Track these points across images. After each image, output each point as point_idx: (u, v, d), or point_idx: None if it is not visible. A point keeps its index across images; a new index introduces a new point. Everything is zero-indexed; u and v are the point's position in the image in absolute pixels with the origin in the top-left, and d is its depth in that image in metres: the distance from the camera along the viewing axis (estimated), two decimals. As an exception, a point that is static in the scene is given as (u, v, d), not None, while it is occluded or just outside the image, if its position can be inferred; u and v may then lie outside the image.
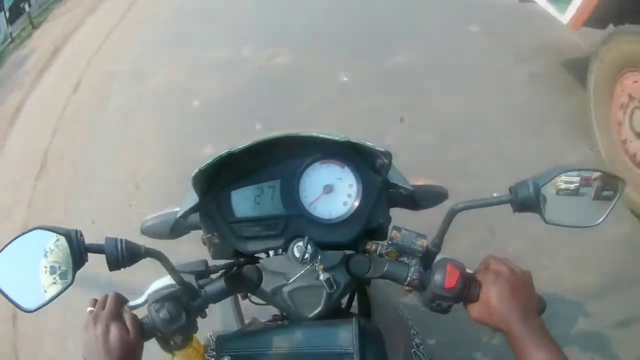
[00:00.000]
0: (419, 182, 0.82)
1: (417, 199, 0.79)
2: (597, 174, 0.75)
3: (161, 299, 0.68)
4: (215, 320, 0.94)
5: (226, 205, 0.74)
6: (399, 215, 0.81)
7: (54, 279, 0.60)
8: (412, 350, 0.80)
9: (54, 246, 0.60)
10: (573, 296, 1.84)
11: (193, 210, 0.75)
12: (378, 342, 0.74)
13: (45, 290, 0.60)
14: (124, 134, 2.93)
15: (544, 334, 0.67)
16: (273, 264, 0.73)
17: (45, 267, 0.61)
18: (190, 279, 0.71)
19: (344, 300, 0.86)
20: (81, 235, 0.60)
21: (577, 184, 0.74)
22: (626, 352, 1.70)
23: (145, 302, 0.71)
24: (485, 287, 0.70)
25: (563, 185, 0.73)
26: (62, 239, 0.58)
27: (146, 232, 0.81)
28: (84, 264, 0.59)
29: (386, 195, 0.75)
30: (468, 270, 0.73)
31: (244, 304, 0.87)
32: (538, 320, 0.69)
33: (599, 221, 0.76)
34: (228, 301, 0.87)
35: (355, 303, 0.91)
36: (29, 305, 0.60)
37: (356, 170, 0.73)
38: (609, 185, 0.76)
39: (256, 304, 0.82)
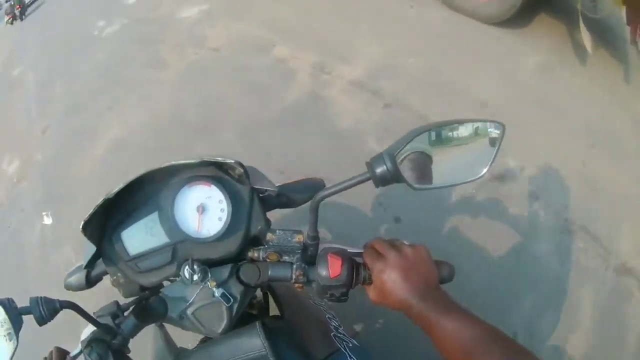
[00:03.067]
0: (292, 181, 0.82)
1: (291, 196, 0.80)
2: (466, 124, 0.72)
3: (89, 343, 0.73)
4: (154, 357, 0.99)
5: (120, 246, 0.78)
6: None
7: (6, 340, 0.67)
8: (332, 334, 0.81)
9: None
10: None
11: (94, 259, 0.80)
12: (290, 336, 0.75)
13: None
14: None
15: (448, 304, 0.66)
16: (174, 291, 0.77)
17: None
18: (107, 320, 0.76)
19: (257, 305, 0.89)
20: (12, 301, 0.67)
21: (446, 140, 0.72)
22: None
23: (81, 350, 0.77)
24: (374, 272, 0.69)
25: (428, 145, 0.70)
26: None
27: (68, 287, 0.87)
28: (21, 326, 0.66)
29: (258, 201, 0.76)
30: (352, 250, 0.73)
31: (179, 333, 0.91)
32: (438, 293, 0.68)
33: (484, 171, 0.72)
34: (159, 338, 0.92)
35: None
36: None
37: (222, 185, 0.75)
38: (484, 134, 0.73)
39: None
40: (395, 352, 1.54)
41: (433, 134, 0.70)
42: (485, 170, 0.72)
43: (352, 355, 0.77)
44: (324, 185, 0.84)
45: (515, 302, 1.82)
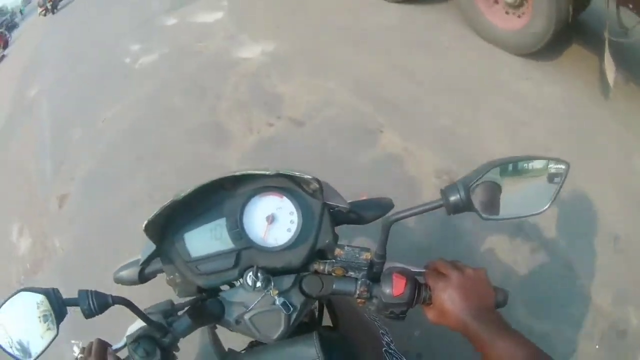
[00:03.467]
0: (364, 197, 0.84)
1: (361, 214, 0.82)
2: (535, 161, 0.75)
3: (136, 338, 0.74)
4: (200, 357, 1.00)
5: (182, 247, 0.79)
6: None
7: (42, 332, 0.67)
8: (383, 349, 0.84)
9: (37, 304, 0.67)
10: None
11: (152, 257, 0.81)
12: (344, 349, 0.77)
13: (36, 343, 0.67)
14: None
15: (502, 326, 0.68)
16: (233, 295, 0.78)
17: (33, 322, 0.67)
18: (159, 318, 0.77)
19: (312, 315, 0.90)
20: (58, 292, 0.67)
21: (515, 175, 0.75)
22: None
23: (125, 344, 0.77)
24: (436, 292, 0.72)
25: (499, 178, 0.73)
26: (43, 297, 0.66)
27: (118, 280, 0.87)
28: (64, 316, 0.67)
29: (328, 215, 0.78)
30: (415, 269, 0.75)
31: (227, 335, 0.92)
32: (494, 315, 0.70)
33: (546, 207, 0.75)
34: (209, 339, 0.93)
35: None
36: (27, 358, 0.68)
37: (294, 198, 0.76)
38: (550, 171, 0.76)
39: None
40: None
41: (504, 168, 0.73)
42: (547, 205, 0.75)
43: None
44: (393, 206, 0.86)
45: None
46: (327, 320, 0.95)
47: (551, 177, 0.76)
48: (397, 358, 0.83)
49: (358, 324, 0.91)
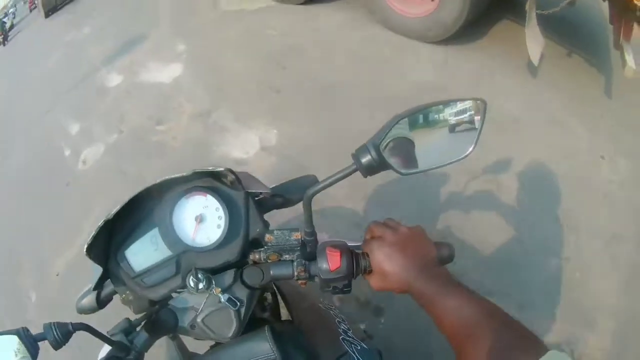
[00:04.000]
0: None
1: (286, 196, 0.82)
2: (449, 105, 0.73)
3: None
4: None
5: (125, 264, 0.80)
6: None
7: None
8: (341, 337, 0.82)
9: (10, 346, 0.70)
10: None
11: (102, 279, 0.82)
12: (298, 341, 0.77)
13: None
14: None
15: (447, 281, 0.66)
16: (182, 301, 0.79)
17: None
18: (121, 337, 0.78)
19: (269, 308, 0.90)
20: (27, 330, 0.69)
21: (428, 123, 0.73)
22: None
23: None
24: (372, 255, 0.70)
25: (409, 132, 0.71)
26: (14, 338, 0.68)
27: (80, 311, 0.89)
28: (38, 351, 0.68)
29: (254, 204, 0.78)
30: (352, 243, 0.74)
31: (191, 342, 0.92)
32: (437, 270, 0.68)
33: (470, 148, 0.73)
34: (173, 347, 0.94)
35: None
36: None
37: (217, 194, 0.77)
38: (465, 111, 0.74)
39: (197, 339, 0.87)
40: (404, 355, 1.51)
41: (414, 118, 0.71)
42: (470, 149, 0.73)
43: (359, 358, 0.78)
44: (317, 181, 0.85)
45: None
46: (287, 314, 0.94)
47: (469, 118, 0.74)
48: (355, 345, 0.81)
49: (312, 314, 0.90)
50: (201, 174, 0.76)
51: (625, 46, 2.11)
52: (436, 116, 0.73)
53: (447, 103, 0.72)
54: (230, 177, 0.74)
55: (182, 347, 0.94)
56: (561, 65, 2.62)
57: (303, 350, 0.75)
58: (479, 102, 0.73)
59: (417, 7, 2.88)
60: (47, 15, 5.84)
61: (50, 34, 5.55)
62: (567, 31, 2.60)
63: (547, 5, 2.23)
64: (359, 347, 0.80)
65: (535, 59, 2.29)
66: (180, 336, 0.94)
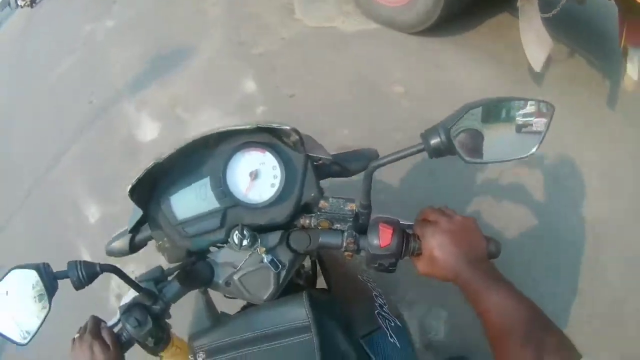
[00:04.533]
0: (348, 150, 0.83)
1: (345, 166, 0.81)
2: (517, 103, 0.74)
3: (128, 308, 0.74)
4: (194, 322, 0.99)
5: (168, 210, 0.79)
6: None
7: (35, 310, 0.67)
8: (376, 312, 0.82)
9: (28, 281, 0.67)
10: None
11: (140, 223, 0.81)
12: (333, 311, 0.76)
13: (30, 322, 0.67)
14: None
15: (495, 276, 0.66)
16: (221, 256, 0.78)
17: (27, 300, 0.68)
18: (150, 285, 0.76)
19: (301, 276, 0.89)
20: (48, 266, 0.67)
21: (498, 116, 0.74)
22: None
23: (119, 320, 0.77)
24: (425, 240, 0.70)
25: (477, 123, 0.72)
26: (34, 273, 0.66)
27: (110, 253, 0.87)
28: (56, 290, 0.67)
29: (313, 169, 0.77)
30: (404, 222, 0.74)
31: (220, 301, 0.91)
32: (486, 264, 0.68)
33: (533, 149, 0.74)
34: (202, 304, 0.92)
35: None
36: (21, 340, 0.68)
37: (276, 152, 0.76)
38: (534, 112, 0.74)
39: (229, 297, 0.86)
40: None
41: (486, 109, 0.72)
42: (534, 149, 0.73)
43: (393, 335, 0.78)
44: (378, 155, 0.85)
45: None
46: (322, 284, 0.93)
47: (537, 119, 0.75)
48: (389, 320, 0.81)
49: (350, 285, 0.90)
50: (262, 130, 0.75)
51: (630, 52, 1.87)
52: (507, 111, 0.73)
53: (519, 100, 0.73)
54: (294, 137, 0.73)
55: (210, 304, 0.92)
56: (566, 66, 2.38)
57: (337, 321, 0.74)
58: (548, 104, 0.74)
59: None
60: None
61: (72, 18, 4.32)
62: (573, 30, 2.33)
63: (549, 4, 1.96)
64: (393, 324, 0.80)
65: (537, 63, 1.99)
66: (210, 293, 0.93)
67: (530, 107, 0.74)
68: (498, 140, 0.74)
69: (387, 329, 0.79)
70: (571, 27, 2.44)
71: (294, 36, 2.96)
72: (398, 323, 0.82)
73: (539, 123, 0.74)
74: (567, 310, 1.74)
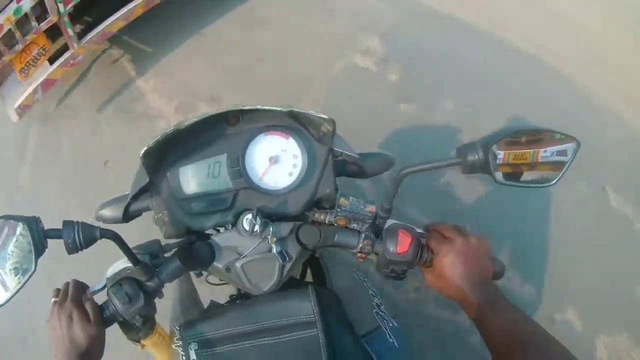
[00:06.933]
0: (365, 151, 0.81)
1: (364, 167, 0.79)
2: (549, 134, 0.74)
3: (119, 281, 0.68)
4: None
5: (175, 182, 0.73)
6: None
7: (17, 268, 0.60)
8: (374, 311, 0.80)
9: (14, 235, 0.59)
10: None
11: (143, 189, 0.75)
12: (338, 307, 0.74)
13: (10, 281, 0.60)
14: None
15: (500, 299, 0.66)
16: (225, 240, 0.73)
17: (9, 256, 0.60)
18: (144, 259, 0.70)
19: (297, 271, 0.86)
20: (40, 221, 0.59)
21: (530, 144, 0.73)
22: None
23: (104, 286, 0.71)
24: (438, 256, 0.69)
25: (514, 147, 0.72)
26: (23, 227, 0.58)
27: (100, 217, 0.80)
28: (44, 250, 0.59)
29: (332, 164, 0.74)
30: (419, 231, 0.72)
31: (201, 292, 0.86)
32: (491, 286, 0.69)
33: (554, 181, 0.74)
34: (185, 290, 0.87)
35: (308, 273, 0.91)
36: (2, 296, 0.60)
37: (300, 140, 0.72)
38: (562, 145, 0.75)
39: (212, 284, 0.81)
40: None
41: (521, 135, 0.72)
42: (555, 180, 0.74)
43: (391, 336, 0.77)
44: (394, 163, 0.83)
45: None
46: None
47: (562, 152, 0.75)
48: (387, 320, 0.79)
49: (347, 284, 0.88)
50: (292, 114, 0.70)
51: None
52: (537, 139, 0.74)
53: (550, 131, 0.73)
54: (326, 128, 0.70)
55: (192, 289, 0.87)
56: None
57: (342, 319, 0.72)
58: (576, 141, 0.75)
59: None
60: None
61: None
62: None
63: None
64: (391, 325, 0.79)
65: None
66: (195, 279, 0.88)
67: (558, 139, 0.75)
68: (526, 167, 0.74)
69: (386, 329, 0.78)
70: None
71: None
72: (395, 323, 0.81)
73: (565, 154, 0.75)
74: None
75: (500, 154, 0.72)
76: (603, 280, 1.89)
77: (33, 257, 0.57)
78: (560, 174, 0.74)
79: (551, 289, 1.85)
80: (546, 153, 0.75)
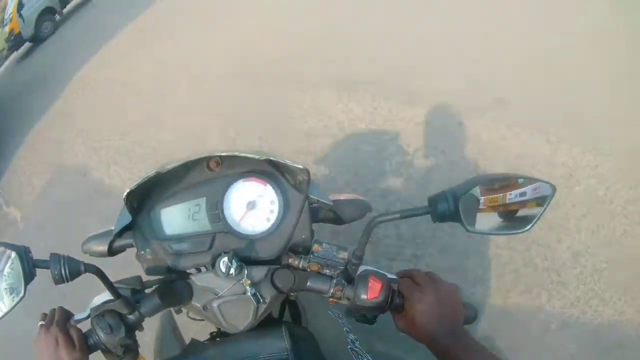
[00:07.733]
0: (342, 197, 0.82)
1: (340, 214, 0.81)
2: (521, 180, 0.75)
3: (102, 312, 0.71)
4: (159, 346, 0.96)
5: (157, 222, 0.76)
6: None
7: (12, 289, 0.64)
8: (349, 347, 0.82)
9: (6, 262, 0.64)
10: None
11: (126, 228, 0.78)
12: (311, 344, 0.76)
13: (6, 299, 0.64)
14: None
15: (471, 344, 0.68)
16: (203, 280, 0.76)
17: (5, 277, 0.64)
18: (126, 293, 0.74)
19: (275, 309, 0.88)
20: (30, 252, 0.63)
21: (501, 192, 0.74)
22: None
23: (88, 316, 0.74)
24: (409, 302, 0.71)
25: (486, 194, 0.73)
26: (15, 255, 0.62)
27: (86, 250, 0.84)
28: (33, 278, 0.63)
29: (308, 210, 0.76)
30: (390, 276, 0.74)
31: (183, 326, 0.89)
32: (463, 331, 0.70)
33: (528, 227, 0.75)
34: (167, 326, 0.90)
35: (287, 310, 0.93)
36: None
37: (277, 187, 0.74)
38: (536, 192, 0.76)
39: (194, 319, 0.84)
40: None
41: (491, 183, 0.73)
42: (529, 226, 0.75)
43: None
44: (371, 209, 0.85)
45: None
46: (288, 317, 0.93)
47: (537, 199, 0.76)
48: (362, 356, 0.81)
49: (322, 320, 0.90)
50: (270, 162, 0.73)
51: None
52: (509, 186, 0.74)
53: (524, 178, 0.74)
54: (302, 177, 0.72)
55: (175, 324, 0.90)
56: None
57: (315, 356, 0.74)
58: (550, 186, 0.75)
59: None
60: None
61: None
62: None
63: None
64: None
65: None
66: (175, 316, 0.91)
67: (533, 186, 0.75)
68: (500, 214, 0.75)
69: None
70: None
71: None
72: (370, 358, 0.83)
73: (539, 201, 0.75)
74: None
75: (482, 199, 0.73)
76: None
77: (23, 283, 0.62)
78: (534, 221, 0.75)
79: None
80: (511, 196, 0.76)
